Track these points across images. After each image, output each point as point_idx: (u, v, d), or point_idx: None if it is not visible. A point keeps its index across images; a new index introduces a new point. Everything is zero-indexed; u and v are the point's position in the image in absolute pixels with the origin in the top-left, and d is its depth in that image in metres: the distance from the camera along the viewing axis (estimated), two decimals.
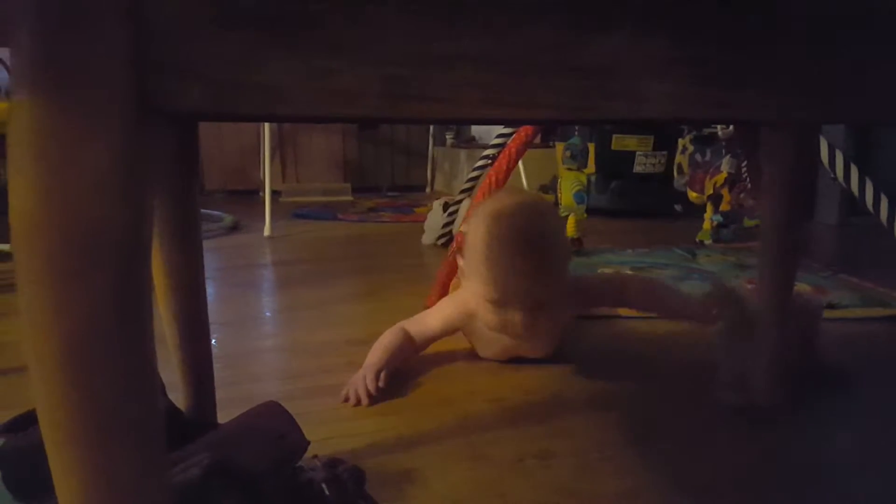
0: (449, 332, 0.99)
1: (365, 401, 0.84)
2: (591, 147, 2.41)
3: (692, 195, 2.05)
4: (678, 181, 2.17)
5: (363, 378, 0.86)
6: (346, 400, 0.85)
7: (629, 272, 1.51)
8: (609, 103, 0.36)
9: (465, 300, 0.95)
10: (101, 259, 0.26)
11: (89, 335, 0.26)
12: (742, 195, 1.92)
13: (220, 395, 0.70)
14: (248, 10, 0.28)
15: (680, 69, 0.37)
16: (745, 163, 1.93)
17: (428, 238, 1.97)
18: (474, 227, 0.91)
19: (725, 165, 1.95)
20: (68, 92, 0.26)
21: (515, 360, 0.99)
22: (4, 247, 1.71)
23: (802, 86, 0.41)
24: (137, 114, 0.27)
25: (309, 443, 0.52)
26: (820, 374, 0.90)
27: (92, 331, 0.26)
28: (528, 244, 0.85)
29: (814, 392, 0.86)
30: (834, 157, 1.68)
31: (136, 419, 0.28)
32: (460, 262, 0.96)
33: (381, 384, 0.86)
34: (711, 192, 1.98)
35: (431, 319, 0.99)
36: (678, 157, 2.17)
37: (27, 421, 0.54)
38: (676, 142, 2.19)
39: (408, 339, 0.96)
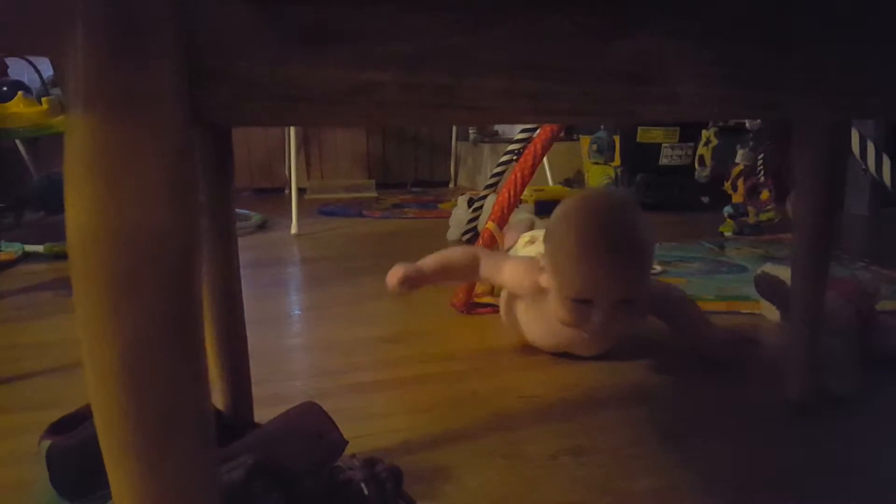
0: (511, 290, 1.01)
1: (391, 285, 0.96)
2: (617, 140, 2.39)
3: (728, 187, 2.02)
4: (699, 173, 2.15)
5: (402, 267, 0.97)
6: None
7: (657, 267, 1.50)
8: (648, 106, 0.36)
9: (540, 278, 0.92)
10: (155, 268, 0.27)
11: (145, 343, 0.27)
12: (757, 188, 1.89)
13: (252, 392, 0.71)
14: (295, 25, 0.29)
15: (715, 70, 0.37)
16: (761, 155, 1.90)
17: (453, 234, 1.97)
18: (560, 222, 0.89)
19: (740, 158, 1.93)
20: (122, 107, 0.26)
21: (552, 355, 0.99)
22: (37, 248, 1.75)
23: (834, 83, 0.40)
24: (188, 127, 0.27)
25: (347, 442, 0.53)
26: (881, 357, 0.91)
27: (148, 338, 0.27)
28: (619, 243, 0.84)
29: (870, 378, 0.85)
30: (865, 147, 1.65)
31: (191, 424, 0.29)
32: (539, 254, 0.95)
33: (409, 284, 0.97)
34: (730, 183, 1.96)
35: (504, 269, 0.98)
36: (700, 149, 2.14)
37: (73, 422, 0.56)
38: (701, 133, 2.17)
39: (475, 264, 1.00)
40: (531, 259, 1.01)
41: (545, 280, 0.90)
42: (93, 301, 0.27)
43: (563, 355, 0.98)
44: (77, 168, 0.27)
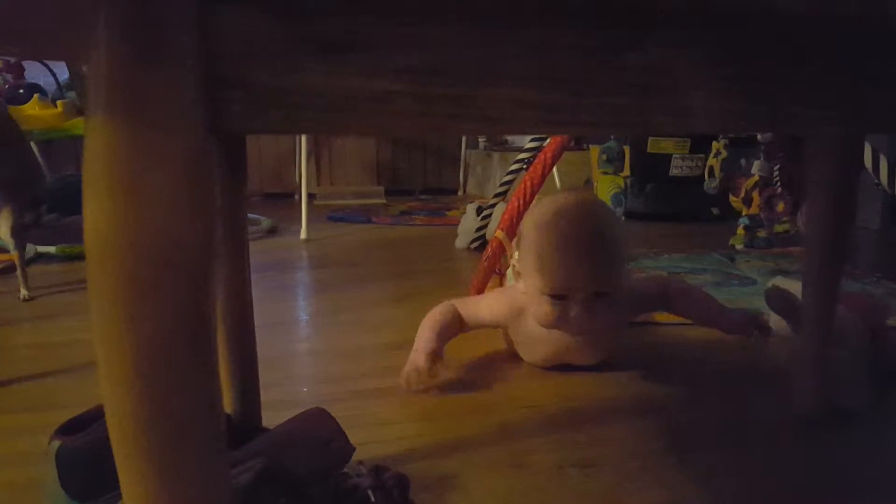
0: (495, 325, 1.00)
1: (422, 385, 0.87)
2: (627, 150, 2.39)
3: (733, 200, 2.02)
4: (708, 184, 2.15)
5: (416, 363, 0.89)
6: (408, 387, 0.88)
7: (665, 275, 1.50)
8: (660, 119, 0.36)
9: (516, 297, 0.95)
10: (172, 274, 0.27)
11: (160, 348, 0.27)
12: (773, 199, 1.89)
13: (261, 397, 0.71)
14: (312, 34, 0.29)
15: (726, 84, 0.37)
16: (777, 167, 1.90)
17: (461, 242, 1.97)
18: (531, 224, 0.92)
19: (756, 169, 1.93)
20: (143, 114, 0.27)
21: (557, 367, 0.99)
22: (50, 249, 1.76)
23: (847, 98, 0.41)
24: (207, 134, 0.28)
25: (354, 449, 0.53)
26: (892, 372, 0.90)
27: (162, 345, 0.27)
28: (587, 236, 0.87)
29: (880, 394, 0.85)
30: (878, 161, 1.64)
31: (204, 430, 0.29)
32: (514, 260, 0.97)
33: (436, 365, 0.89)
34: (744, 195, 1.96)
35: (481, 308, 1.00)
36: (710, 161, 2.14)
37: (83, 423, 0.56)
38: (711, 144, 2.16)
39: (458, 317, 0.98)
40: (497, 291, 1.05)
41: (522, 286, 0.93)
42: (109, 306, 0.27)
43: (567, 367, 0.98)
44: (96, 173, 0.27)
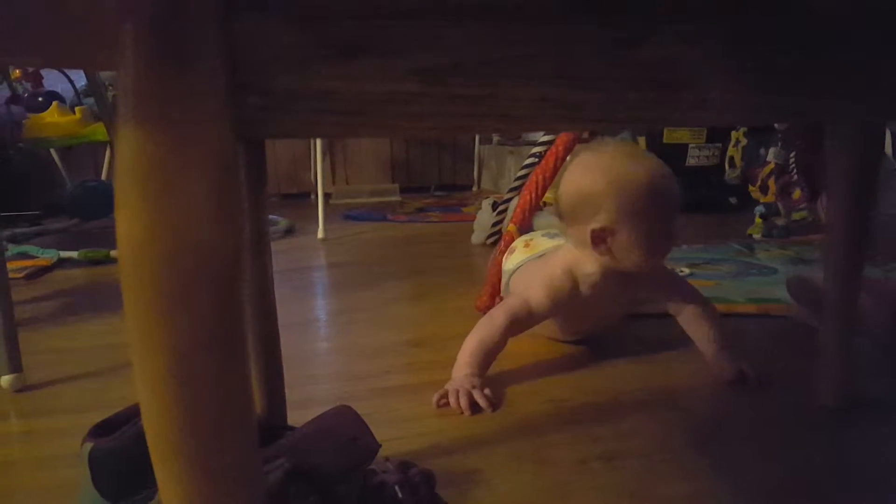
0: (559, 301, 0.95)
1: (468, 413, 0.82)
2: (642, 141, 2.38)
3: (752, 189, 2.00)
4: (730, 174, 2.13)
5: (468, 390, 0.85)
6: (444, 405, 0.84)
7: (685, 269, 1.49)
8: (679, 113, 0.36)
9: (561, 261, 0.96)
10: (204, 279, 0.28)
11: (193, 351, 0.28)
12: (788, 187, 1.87)
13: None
14: (333, 39, 0.30)
15: (744, 76, 0.37)
16: (792, 154, 1.88)
17: (477, 237, 1.97)
18: (603, 180, 0.89)
19: (771, 156, 1.91)
20: (171, 122, 0.27)
21: (575, 360, 0.99)
22: (72, 254, 1.79)
23: (864, 86, 0.40)
24: (234, 140, 0.28)
25: (380, 446, 0.54)
26: None
27: (196, 346, 0.28)
28: (675, 208, 0.91)
29: None
30: None
31: (237, 429, 0.29)
32: (560, 210, 0.94)
33: (487, 395, 0.85)
34: (760, 183, 1.94)
35: (540, 296, 0.95)
36: (730, 150, 2.12)
37: (114, 424, 0.57)
38: (730, 134, 2.14)
39: (501, 339, 0.93)
40: (539, 272, 1.00)
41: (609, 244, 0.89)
42: (143, 311, 0.28)
43: (590, 358, 0.98)
44: (127, 182, 0.28)
